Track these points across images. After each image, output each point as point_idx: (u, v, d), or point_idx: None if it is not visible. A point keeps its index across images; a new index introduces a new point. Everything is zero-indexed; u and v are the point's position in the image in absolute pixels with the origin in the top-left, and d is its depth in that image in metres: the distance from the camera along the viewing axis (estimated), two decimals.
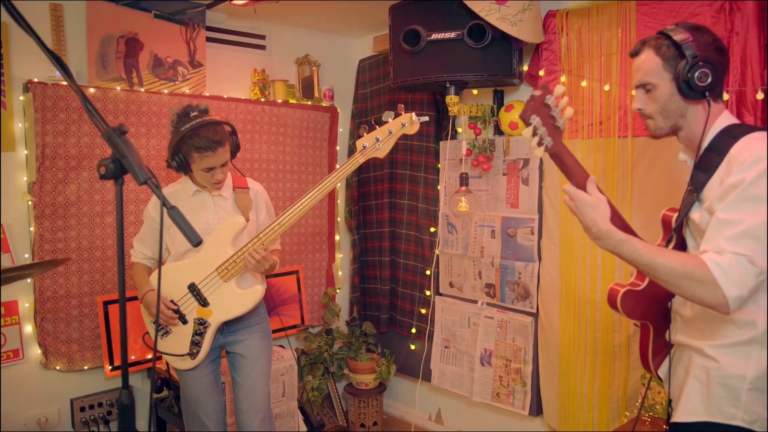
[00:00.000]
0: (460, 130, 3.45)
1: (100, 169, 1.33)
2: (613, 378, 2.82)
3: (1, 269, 2.29)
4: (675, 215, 1.74)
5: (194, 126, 2.34)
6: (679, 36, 1.57)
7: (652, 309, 1.79)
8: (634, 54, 1.68)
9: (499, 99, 3.23)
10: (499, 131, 3.20)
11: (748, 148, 1.47)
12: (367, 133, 2.44)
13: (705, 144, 1.60)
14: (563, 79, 2.89)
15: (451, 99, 2.97)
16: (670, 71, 1.59)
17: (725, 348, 1.55)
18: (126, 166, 1.33)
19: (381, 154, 2.44)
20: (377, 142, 2.41)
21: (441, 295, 3.60)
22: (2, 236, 2.84)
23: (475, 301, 3.38)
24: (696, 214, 1.58)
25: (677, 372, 1.73)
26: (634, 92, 1.73)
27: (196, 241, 1.34)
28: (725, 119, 1.61)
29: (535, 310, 3.11)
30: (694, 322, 1.65)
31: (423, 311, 3.72)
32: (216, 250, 2.46)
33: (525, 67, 3.07)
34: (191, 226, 1.35)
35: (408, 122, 2.42)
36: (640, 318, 1.82)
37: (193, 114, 2.39)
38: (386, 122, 2.43)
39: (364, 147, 2.42)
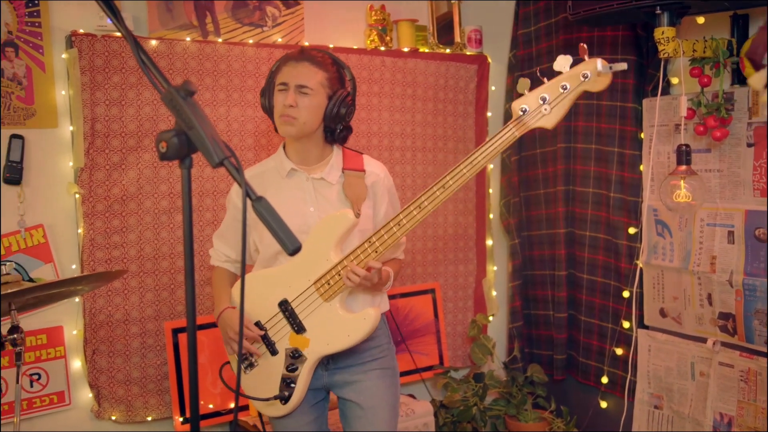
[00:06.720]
0: (675, 80, 3.28)
1: (160, 146, 1.34)
2: None
3: (40, 285, 2.38)
4: None
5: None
6: None
7: None
8: None
9: (740, 29, 3.01)
10: (740, 79, 2.98)
11: None
12: (529, 90, 2.32)
13: None
14: None
15: (663, 32, 2.85)
16: None
17: None
18: (194, 141, 1.32)
19: (549, 124, 2.31)
20: (543, 104, 2.28)
21: (647, 328, 3.46)
22: (43, 241, 2.95)
23: (704, 340, 3.17)
24: None
25: None
26: None
27: (293, 248, 1.32)
28: None
29: None
30: None
31: (619, 352, 3.61)
32: (315, 257, 2.42)
33: None
34: (286, 227, 1.33)
35: (592, 72, 2.26)
36: None
37: None
38: (559, 73, 2.31)
39: (523, 112, 2.30)
